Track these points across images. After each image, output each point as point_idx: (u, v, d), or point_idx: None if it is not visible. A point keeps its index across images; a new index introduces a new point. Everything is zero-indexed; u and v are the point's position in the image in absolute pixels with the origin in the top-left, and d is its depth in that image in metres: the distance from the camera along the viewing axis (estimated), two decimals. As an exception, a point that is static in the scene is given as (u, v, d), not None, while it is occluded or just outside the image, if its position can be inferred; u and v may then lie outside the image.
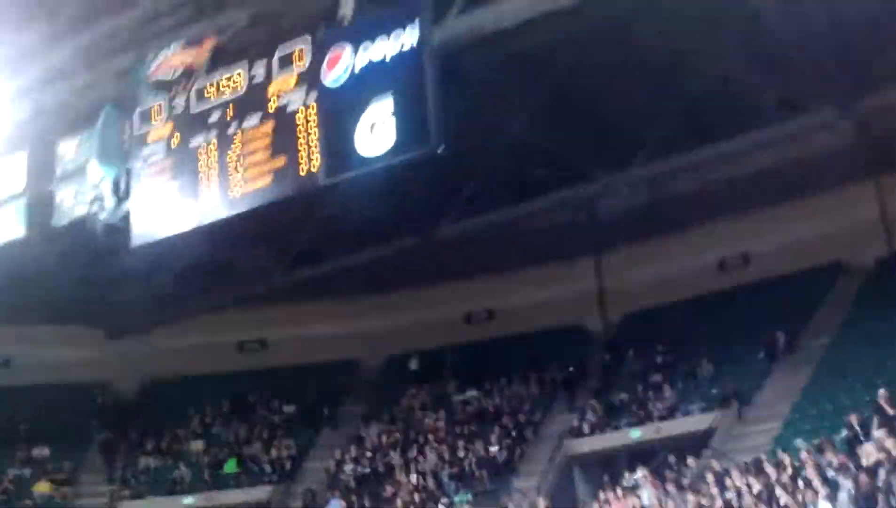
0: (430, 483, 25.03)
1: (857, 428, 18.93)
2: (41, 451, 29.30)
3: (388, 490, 25.10)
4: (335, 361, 30.89)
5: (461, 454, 25.77)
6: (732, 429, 23.62)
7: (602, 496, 21.31)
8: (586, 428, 25.33)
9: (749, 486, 18.66)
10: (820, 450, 18.89)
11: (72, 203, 18.40)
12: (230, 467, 28.20)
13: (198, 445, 29.17)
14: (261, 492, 27.05)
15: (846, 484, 16.80)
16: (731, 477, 19.59)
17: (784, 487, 17.84)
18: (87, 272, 25.24)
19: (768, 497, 17.76)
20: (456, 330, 30.54)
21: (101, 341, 31.47)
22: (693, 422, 24.01)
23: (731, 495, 18.60)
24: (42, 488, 27.65)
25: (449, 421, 27.57)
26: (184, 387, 30.96)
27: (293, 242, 26.07)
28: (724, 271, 28.29)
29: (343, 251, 25.95)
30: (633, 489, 21.14)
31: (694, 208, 26.87)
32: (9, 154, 19.38)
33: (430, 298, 30.27)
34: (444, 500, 24.19)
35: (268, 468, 27.86)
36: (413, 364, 30.39)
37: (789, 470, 18.56)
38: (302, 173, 16.00)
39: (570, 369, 28.05)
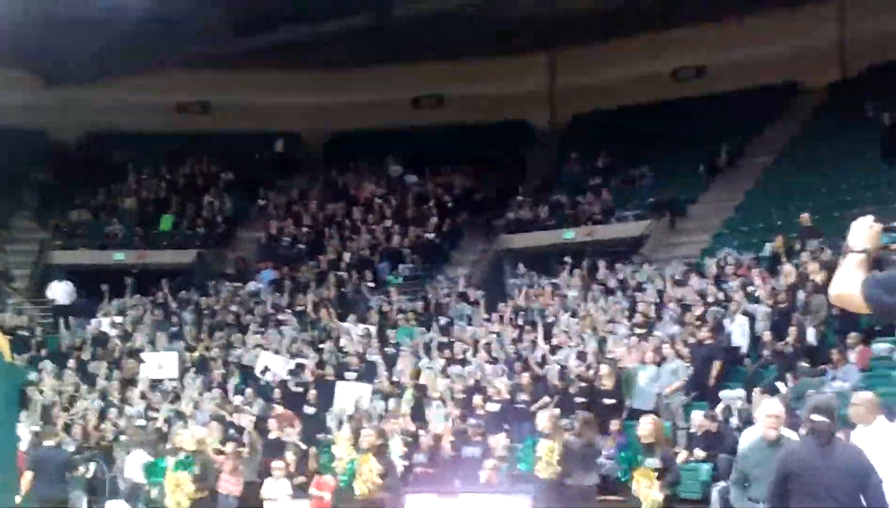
0: (363, 262, 25.28)
1: (782, 248, 19.36)
2: (-26, 192, 29.01)
3: (322, 263, 25.33)
4: (278, 132, 30.56)
5: (396, 236, 25.97)
6: (664, 238, 24.06)
7: (529, 291, 21.75)
8: (521, 225, 25.60)
9: (673, 294, 19.15)
10: (744, 265, 19.39)
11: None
12: (165, 224, 28.15)
13: (131, 202, 29.00)
14: (192, 255, 27.13)
15: (765, 301, 17.30)
16: (655, 284, 20.09)
17: (703, 298, 18.33)
18: (34, 16, 24.32)
19: (689, 306, 18.25)
20: (403, 114, 30.25)
21: (40, 88, 30.75)
22: (626, 228, 24.39)
23: (654, 301, 19.08)
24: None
25: (387, 202, 27.65)
26: (122, 143, 30.56)
27: (247, 5, 25.24)
28: (677, 80, 28.14)
29: (295, 22, 25.21)
30: (561, 286, 21.60)
31: (655, 14, 26.43)
32: None
33: (380, 78, 29.79)
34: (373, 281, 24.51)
35: (201, 231, 27.86)
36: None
37: (712, 281, 19.05)
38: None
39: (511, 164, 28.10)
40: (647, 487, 10.09)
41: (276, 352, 20.42)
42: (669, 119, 26.73)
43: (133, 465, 16.49)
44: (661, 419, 11.23)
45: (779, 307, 16.91)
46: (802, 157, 24.43)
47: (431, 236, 25.98)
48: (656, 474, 10.17)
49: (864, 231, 3.68)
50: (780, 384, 14.61)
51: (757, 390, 14.19)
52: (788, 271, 17.87)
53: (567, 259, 22.30)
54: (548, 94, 30.26)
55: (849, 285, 3.63)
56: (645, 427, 10.43)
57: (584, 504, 12.14)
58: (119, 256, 27.01)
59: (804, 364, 15.06)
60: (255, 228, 28.18)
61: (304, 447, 16.95)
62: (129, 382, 20.00)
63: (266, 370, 19.54)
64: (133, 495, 16.07)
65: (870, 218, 3.78)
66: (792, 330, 15.88)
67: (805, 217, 19.68)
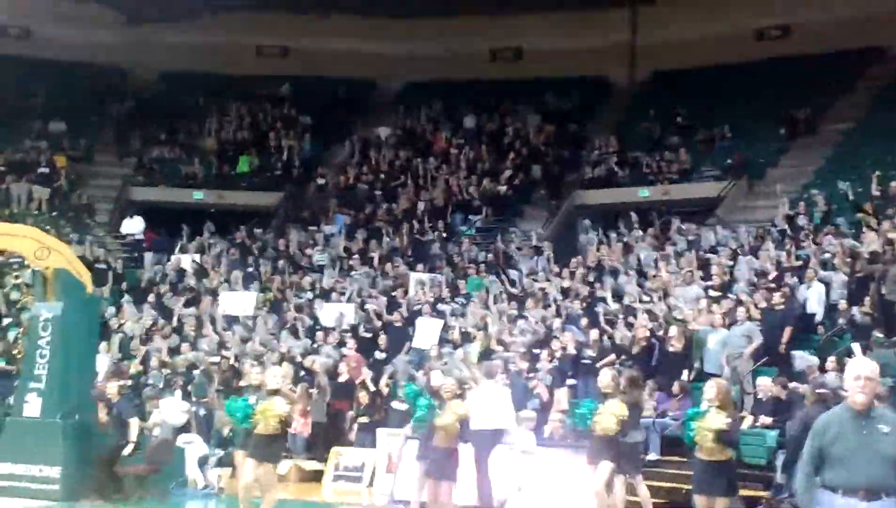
0: (436, 212, 25.41)
1: (864, 215, 19.08)
2: (57, 126, 29.65)
3: (396, 211, 25.52)
4: (353, 78, 30.70)
5: (470, 188, 26.04)
6: (739, 201, 23.82)
7: (602, 248, 21.71)
8: (596, 181, 25.49)
9: (747, 258, 18.99)
10: (822, 231, 19.14)
11: None
12: (243, 166, 28.57)
13: (211, 143, 29.44)
14: (271, 197, 27.51)
15: (843, 269, 17.09)
16: (729, 246, 19.93)
17: (779, 263, 18.17)
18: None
19: (764, 270, 18.10)
20: (480, 66, 30.17)
21: (122, 25, 31.22)
22: (703, 189, 24.18)
23: (727, 264, 18.94)
24: (60, 162, 28.16)
25: (462, 152, 27.69)
26: (201, 83, 30.96)
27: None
28: (761, 40, 27.67)
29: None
30: (632, 243, 21.53)
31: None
32: None
33: (457, 29, 29.72)
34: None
35: (279, 173, 28.21)
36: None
37: (789, 246, 18.85)
38: None
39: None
40: (705, 433, 10.07)
41: (348, 299, 20.69)
42: (750, 80, 26.35)
43: (170, 410, 16.59)
44: (728, 383, 11.18)
45: (856, 275, 16.70)
46: (883, 123, 23.93)
47: (504, 188, 26.00)
48: (717, 430, 10.16)
49: None
50: (855, 347, 14.41)
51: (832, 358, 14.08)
52: (869, 238, 17.62)
53: (635, 217, 22.20)
54: (628, 50, 29.96)
55: None
56: (710, 390, 10.42)
57: (633, 461, 12.28)
58: (198, 195, 27.51)
59: (878, 334, 14.88)
60: (332, 173, 28.45)
61: (373, 388, 17.25)
62: (204, 319, 20.43)
63: (341, 315, 19.81)
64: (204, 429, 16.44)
65: None
66: (868, 299, 15.69)
67: (892, 186, 19.37)
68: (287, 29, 31.05)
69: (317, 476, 16.57)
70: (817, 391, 11.98)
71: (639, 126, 27.46)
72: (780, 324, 16.04)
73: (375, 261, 22.87)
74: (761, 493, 12.36)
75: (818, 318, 16.67)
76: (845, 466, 6.01)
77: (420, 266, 22.23)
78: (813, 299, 16.77)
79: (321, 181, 27.71)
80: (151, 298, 21.45)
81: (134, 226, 26.17)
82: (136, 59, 31.28)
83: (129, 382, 16.67)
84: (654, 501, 12.89)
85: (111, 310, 20.53)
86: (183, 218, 25.43)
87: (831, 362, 14.66)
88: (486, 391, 12.73)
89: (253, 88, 30.99)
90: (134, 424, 13.95)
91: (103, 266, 22.83)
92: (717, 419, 10.09)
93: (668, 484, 13.35)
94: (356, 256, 23.12)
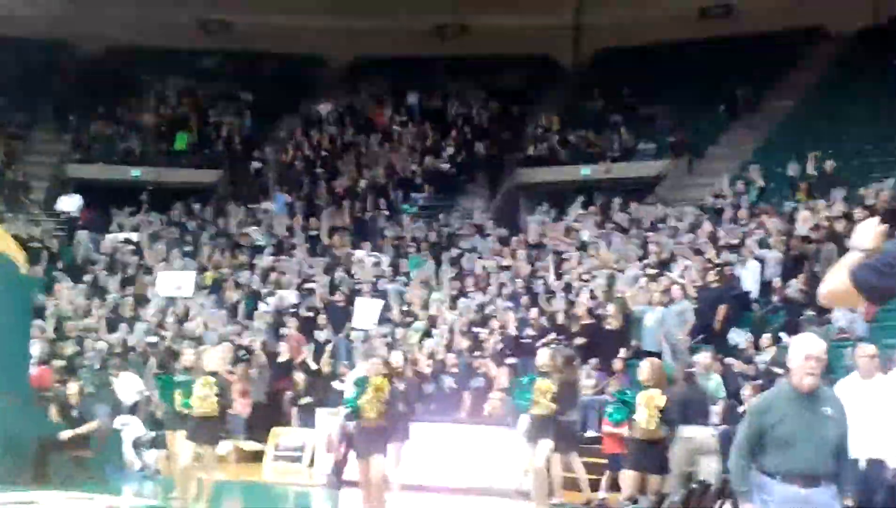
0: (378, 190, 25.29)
1: (801, 195, 19.31)
2: (-8, 100, 29.06)
3: (337, 189, 25.37)
4: (297, 54, 30.38)
5: (412, 166, 25.95)
6: (680, 179, 23.98)
7: (543, 227, 21.76)
8: (538, 159, 25.52)
9: (686, 236, 19.15)
10: (759, 210, 19.35)
11: None
12: (180, 143, 28.15)
13: (150, 118, 28.98)
14: (210, 175, 27.18)
15: (778, 248, 17.28)
16: (669, 225, 20.07)
17: (716, 241, 18.34)
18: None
19: (701, 249, 18.25)
20: (426, 42, 29.98)
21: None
22: (644, 167, 24.30)
23: (666, 243, 19.08)
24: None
25: (405, 130, 27.56)
26: (143, 59, 30.45)
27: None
28: (705, 18, 27.79)
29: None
30: (575, 222, 21.61)
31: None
32: None
33: (404, 4, 29.48)
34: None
35: (219, 150, 27.88)
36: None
37: (726, 225, 19.03)
38: None
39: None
40: (648, 411, 10.17)
41: (288, 278, 20.54)
42: (693, 59, 26.45)
43: (126, 386, 16.53)
44: (661, 361, 11.31)
45: (791, 254, 16.90)
46: (824, 104, 24.17)
47: (446, 166, 25.94)
48: (659, 408, 10.26)
49: (869, 231, 3.67)
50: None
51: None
52: (804, 218, 17.82)
53: (580, 197, 22.28)
54: (573, 29, 29.92)
55: (838, 279, 3.55)
56: (644, 369, 10.54)
57: (569, 439, 12.46)
58: (136, 172, 27.10)
59: (810, 313, 15.08)
60: (272, 150, 28.16)
61: (314, 367, 17.17)
62: (141, 298, 20.19)
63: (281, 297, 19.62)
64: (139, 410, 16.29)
65: (876, 219, 3.79)
66: (802, 277, 15.89)
67: (826, 164, 19.60)
68: (231, 3, 30.59)
69: (257, 457, 16.52)
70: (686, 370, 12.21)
71: (582, 105, 27.50)
72: (715, 302, 16.21)
73: (317, 239, 22.73)
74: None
75: (753, 296, 16.87)
76: (786, 450, 5.68)
77: (363, 245, 22.13)
78: (748, 277, 16.95)
79: (261, 159, 27.42)
80: (87, 277, 21.14)
81: (71, 203, 25.74)
82: (77, 33, 30.67)
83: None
84: (591, 477, 13.05)
85: (45, 290, 20.20)
86: (120, 196, 25.04)
87: (766, 339, 14.88)
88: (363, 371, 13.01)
89: (194, 63, 30.54)
90: (93, 425, 13.87)
91: (38, 245, 22.46)
92: (657, 398, 10.21)
93: (606, 461, 13.47)
94: (299, 234, 22.96)
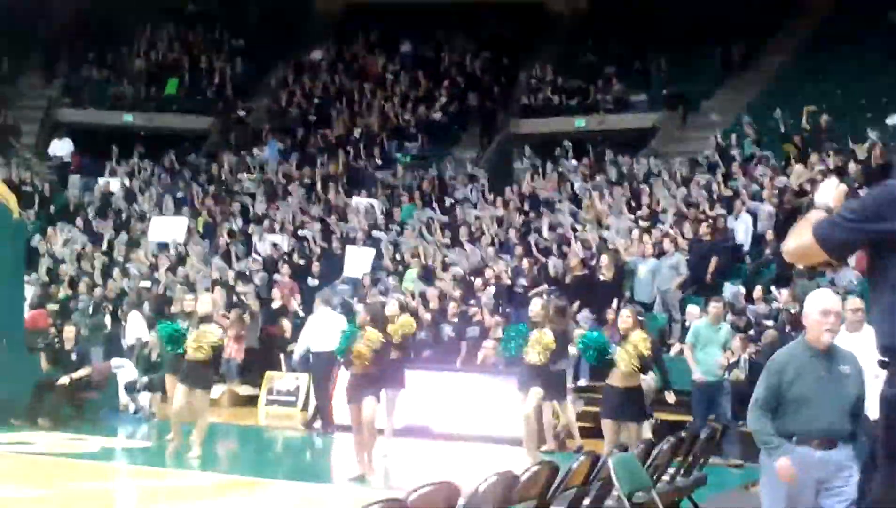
0: (371, 138, 25.23)
1: (793, 149, 19.34)
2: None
3: (330, 137, 25.30)
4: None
5: (405, 114, 25.85)
6: (674, 132, 23.97)
7: (536, 177, 21.78)
8: (532, 110, 25.45)
9: (678, 189, 19.19)
10: (752, 163, 19.39)
11: None
12: (171, 88, 27.94)
13: (140, 63, 28.75)
14: (202, 121, 27.04)
15: (770, 201, 17.35)
16: (662, 177, 20.11)
17: (709, 194, 18.39)
18: None
19: (694, 201, 18.32)
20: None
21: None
22: (638, 119, 24.27)
23: (660, 194, 19.12)
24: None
25: (397, 79, 27.42)
26: (131, 3, 30.10)
27: None
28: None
29: None
30: (567, 173, 21.63)
31: None
32: None
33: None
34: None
35: (210, 96, 27.71)
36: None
37: (719, 178, 19.08)
38: None
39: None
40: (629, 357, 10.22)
41: (282, 225, 20.55)
42: (689, 10, 26.28)
43: (134, 325, 16.75)
44: (639, 310, 11.25)
45: (784, 208, 16.97)
46: (821, 58, 24.12)
47: (439, 115, 25.86)
48: (640, 355, 10.27)
49: (831, 190, 3.74)
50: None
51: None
52: (797, 171, 17.88)
53: (569, 145, 22.27)
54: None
55: (801, 236, 3.61)
56: (625, 320, 10.50)
57: (559, 388, 12.56)
58: (128, 117, 26.94)
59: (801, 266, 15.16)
60: (265, 97, 28.01)
61: (303, 315, 17.24)
62: (134, 243, 20.18)
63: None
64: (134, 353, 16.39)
65: (836, 179, 3.91)
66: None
67: (820, 119, 19.63)
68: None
69: (251, 401, 16.64)
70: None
71: (576, 56, 27.36)
72: (707, 254, 16.30)
73: (311, 186, 22.70)
74: (685, 417, 12.66)
75: (746, 248, 16.96)
76: (802, 410, 5.49)
77: (356, 193, 22.11)
78: (741, 229, 17.04)
79: (249, 108, 27.25)
80: (79, 222, 21.11)
81: (62, 147, 25.62)
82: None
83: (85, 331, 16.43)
84: (584, 424, 13.20)
85: (38, 234, 20.18)
86: (112, 140, 24.92)
87: (758, 291, 15.00)
88: (322, 318, 13.87)
89: (183, 8, 30.23)
90: (87, 370, 13.97)
91: (29, 189, 22.39)
92: (640, 345, 10.24)
93: (597, 409, 13.59)
94: (292, 181, 22.93)
